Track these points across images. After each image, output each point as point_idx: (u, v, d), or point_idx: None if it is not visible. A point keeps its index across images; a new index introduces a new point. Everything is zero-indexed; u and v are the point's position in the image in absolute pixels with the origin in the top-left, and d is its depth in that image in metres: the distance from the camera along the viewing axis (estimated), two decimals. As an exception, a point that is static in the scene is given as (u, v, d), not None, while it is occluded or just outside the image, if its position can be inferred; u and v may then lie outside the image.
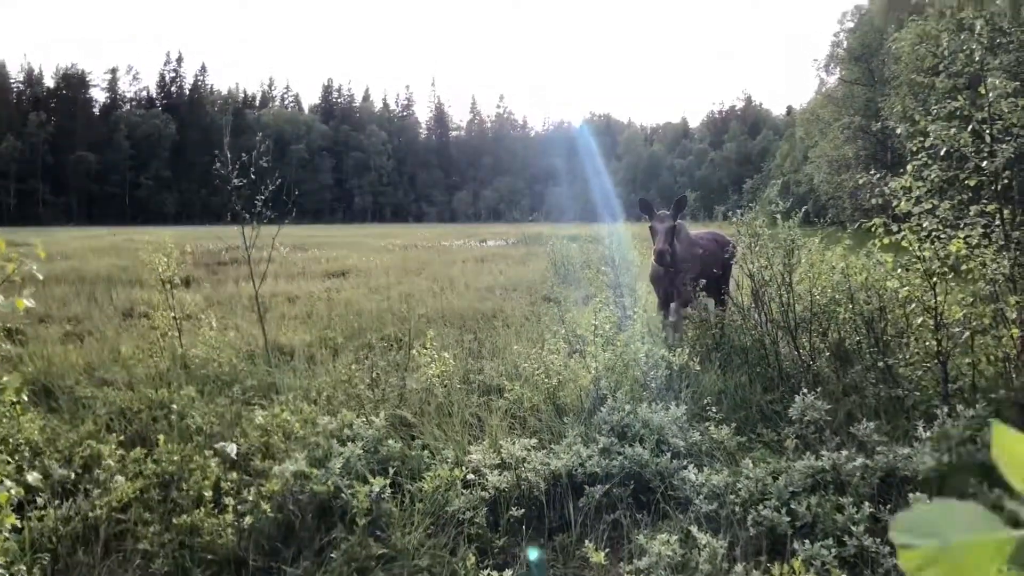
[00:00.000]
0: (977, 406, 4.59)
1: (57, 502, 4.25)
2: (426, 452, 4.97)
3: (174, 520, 3.96)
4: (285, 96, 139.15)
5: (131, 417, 5.89)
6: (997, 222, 5.41)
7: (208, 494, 4.18)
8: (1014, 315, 5.36)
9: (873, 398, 5.71)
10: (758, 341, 7.12)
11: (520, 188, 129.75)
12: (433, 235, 44.52)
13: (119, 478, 4.35)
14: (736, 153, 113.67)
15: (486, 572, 3.51)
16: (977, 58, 5.27)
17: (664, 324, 8.11)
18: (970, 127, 5.36)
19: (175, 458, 4.50)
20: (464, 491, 4.35)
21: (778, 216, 7.14)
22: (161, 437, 4.79)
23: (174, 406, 5.80)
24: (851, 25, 42.32)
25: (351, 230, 60.81)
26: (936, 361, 5.37)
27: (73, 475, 4.59)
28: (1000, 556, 0.53)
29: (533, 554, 4.01)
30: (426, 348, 6.80)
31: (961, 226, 5.36)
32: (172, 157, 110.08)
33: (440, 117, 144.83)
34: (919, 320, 5.55)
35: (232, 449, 4.73)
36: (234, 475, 4.37)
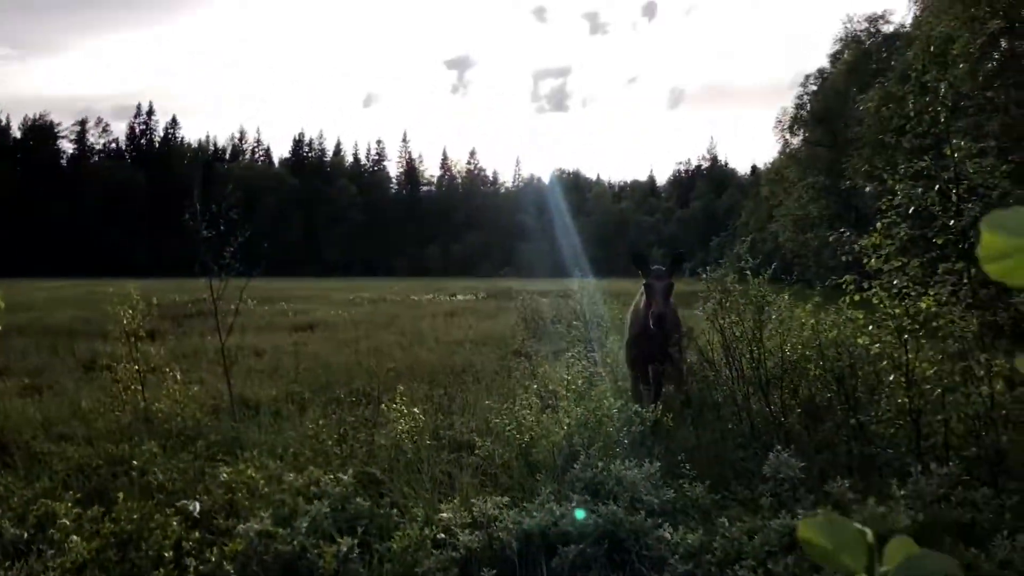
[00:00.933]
0: (950, 463, 4.59)
1: (8, 563, 4.07)
2: (395, 510, 4.85)
3: (132, 582, 3.80)
4: (256, 149, 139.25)
5: (89, 473, 5.71)
6: (965, 280, 5.49)
7: (168, 554, 4.02)
8: (982, 372, 5.40)
9: (846, 455, 5.70)
10: (730, 397, 7.10)
11: (490, 243, 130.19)
12: (403, 289, 44.39)
13: (75, 538, 4.18)
14: (702, 211, 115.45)
15: (457, 636, 3.40)
16: (942, 119, 5.40)
17: (639, 389, 7.62)
18: (936, 187, 5.46)
19: (134, 516, 4.34)
20: (434, 551, 4.24)
21: (747, 272, 7.19)
22: (120, 494, 4.63)
23: (135, 462, 5.64)
24: (814, 88, 43.44)
25: (320, 283, 60.47)
26: (908, 418, 5.38)
27: (26, 535, 4.41)
28: None
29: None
30: (395, 403, 6.69)
31: (931, 284, 5.43)
32: (141, 209, 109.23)
33: (411, 171, 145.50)
34: (891, 377, 5.58)
35: (195, 507, 4.59)
36: (196, 534, 4.23)
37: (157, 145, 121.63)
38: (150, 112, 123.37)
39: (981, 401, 5.34)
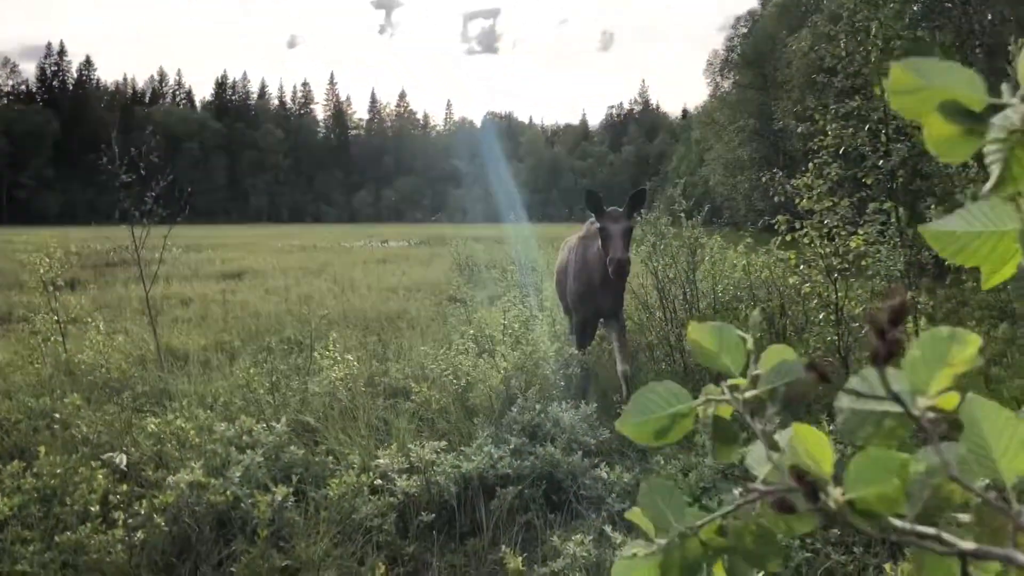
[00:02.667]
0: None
1: (-77, 523, 3.89)
2: (331, 458, 4.79)
3: (57, 538, 3.66)
4: (177, 92, 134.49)
5: (8, 428, 5.48)
6: (893, 220, 5.60)
7: (95, 508, 3.89)
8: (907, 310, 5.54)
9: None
10: (663, 338, 7.19)
11: (422, 188, 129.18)
12: (332, 235, 43.79)
13: (-6, 494, 4.01)
14: (635, 155, 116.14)
15: (397, 581, 3.38)
16: (872, 59, 5.44)
17: (578, 345, 6.64)
18: (867, 127, 5.53)
19: (58, 471, 4.18)
20: (372, 497, 4.19)
21: (681, 215, 7.23)
22: (42, 448, 4.45)
23: (57, 415, 5.43)
24: (745, 30, 43.69)
25: (247, 231, 59.25)
26: (838, 355, 5.51)
27: (-58, 493, 4.22)
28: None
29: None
30: (328, 350, 6.58)
31: (860, 224, 5.52)
32: (55, 155, 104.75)
33: (339, 115, 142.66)
34: (821, 315, 5.69)
35: (121, 459, 4.44)
36: (124, 487, 4.09)
37: (71, 88, 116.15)
38: (61, 52, 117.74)
39: (907, 337, 5.49)
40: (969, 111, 0.63)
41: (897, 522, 0.60)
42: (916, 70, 0.63)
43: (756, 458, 0.77)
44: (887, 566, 3.13)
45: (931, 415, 0.57)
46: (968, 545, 0.57)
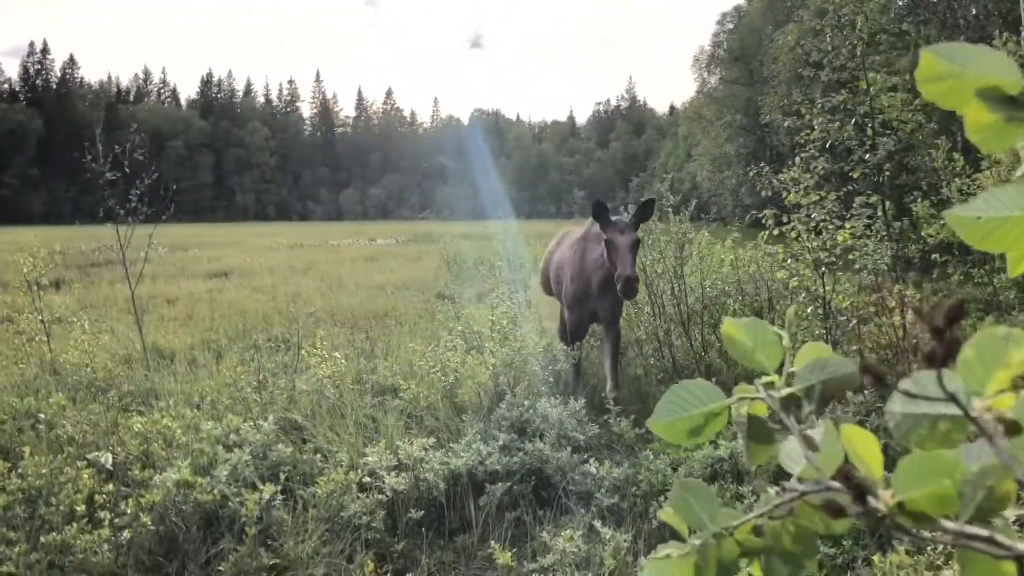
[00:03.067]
0: (864, 392, 4.73)
1: (-94, 525, 3.85)
2: (319, 456, 4.77)
3: (42, 539, 3.63)
4: (162, 90, 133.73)
5: (-7, 428, 5.44)
6: (879, 213, 5.62)
7: (81, 508, 3.86)
8: (894, 303, 5.56)
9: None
10: (652, 334, 7.18)
11: (409, 186, 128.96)
12: (319, 234, 43.66)
13: (-22, 495, 3.97)
14: (622, 152, 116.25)
15: (386, 578, 3.36)
16: (858, 53, 5.46)
17: (570, 340, 6.36)
18: (853, 121, 5.55)
19: (43, 471, 4.14)
20: (360, 495, 4.18)
21: (669, 210, 7.23)
22: (27, 449, 4.41)
23: (42, 415, 5.38)
24: (731, 26, 43.79)
25: (233, 229, 59.00)
26: (825, 349, 5.51)
27: (-75, 494, 4.18)
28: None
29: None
30: (316, 348, 6.55)
31: (847, 217, 5.54)
32: (39, 154, 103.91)
33: (325, 113, 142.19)
34: (808, 309, 5.71)
35: (107, 459, 4.41)
36: (110, 487, 4.06)
37: (54, 87, 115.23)
38: (44, 51, 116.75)
39: (893, 331, 5.51)
40: (1009, 96, 0.61)
41: (949, 524, 0.58)
42: (948, 56, 0.61)
43: (790, 455, 0.76)
44: (875, 558, 3.14)
45: (989, 416, 0.55)
46: None
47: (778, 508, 0.75)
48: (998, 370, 0.55)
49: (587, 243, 6.21)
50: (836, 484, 0.64)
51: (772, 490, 0.77)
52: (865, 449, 0.64)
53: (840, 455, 0.67)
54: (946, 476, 0.59)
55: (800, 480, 0.73)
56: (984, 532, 0.57)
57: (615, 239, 5.63)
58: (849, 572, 3.42)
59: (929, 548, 3.13)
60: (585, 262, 6.15)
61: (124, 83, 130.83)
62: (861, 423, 4.44)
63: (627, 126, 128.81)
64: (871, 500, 0.60)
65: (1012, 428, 0.55)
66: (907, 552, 3.10)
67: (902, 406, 0.60)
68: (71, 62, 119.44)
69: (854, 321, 5.49)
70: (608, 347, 6.15)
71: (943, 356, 0.54)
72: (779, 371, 0.77)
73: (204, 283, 15.84)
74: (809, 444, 0.71)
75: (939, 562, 3.04)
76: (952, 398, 0.55)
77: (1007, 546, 0.56)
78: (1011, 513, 0.60)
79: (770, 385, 0.77)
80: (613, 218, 5.82)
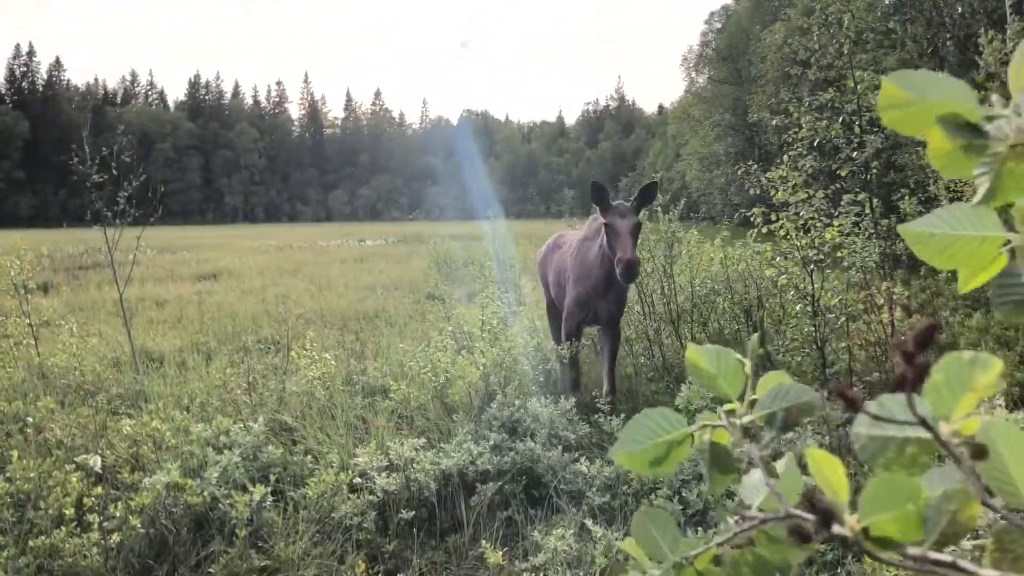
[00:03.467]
0: (854, 389, 4.74)
1: None
2: (309, 457, 4.76)
3: (31, 543, 3.61)
4: (149, 92, 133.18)
5: (-20, 433, 5.40)
6: (867, 211, 5.64)
7: (70, 512, 3.83)
8: (882, 301, 5.59)
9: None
10: (642, 332, 7.20)
11: (399, 186, 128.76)
12: (309, 235, 43.55)
13: (-34, 500, 3.95)
14: (611, 151, 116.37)
15: (377, 579, 3.35)
16: (845, 51, 5.48)
17: (562, 353, 6.05)
18: (840, 119, 5.57)
19: (31, 475, 4.12)
20: (351, 496, 4.17)
21: (658, 210, 7.24)
22: (15, 453, 4.38)
23: (30, 418, 5.36)
24: (719, 26, 43.90)
25: (222, 231, 58.80)
26: (814, 346, 5.54)
27: (-88, 499, 4.14)
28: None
29: None
30: (306, 349, 6.54)
31: (835, 215, 5.56)
32: (25, 157, 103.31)
33: (314, 114, 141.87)
34: (797, 307, 5.72)
35: (96, 462, 4.39)
36: (99, 490, 4.04)
37: (40, 89, 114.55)
38: (31, 53, 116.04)
39: (882, 328, 5.54)
40: (968, 123, 0.62)
41: (913, 550, 0.58)
42: (907, 84, 0.62)
43: (751, 488, 0.77)
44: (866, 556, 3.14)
45: (957, 441, 0.56)
46: (990, 573, 0.56)
47: (737, 536, 0.75)
48: (965, 394, 0.56)
49: (588, 242, 6.00)
50: (797, 511, 0.64)
51: (732, 519, 0.77)
52: (831, 473, 0.63)
53: (800, 485, 0.68)
54: (910, 501, 0.59)
55: (761, 510, 0.73)
56: (947, 558, 0.57)
57: (615, 223, 5.43)
58: (840, 568, 3.43)
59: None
60: (588, 261, 5.90)
61: (111, 85, 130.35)
62: (838, 439, 4.47)
63: (616, 126, 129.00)
64: (836, 525, 0.60)
65: (978, 452, 0.56)
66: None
67: (867, 428, 0.60)
68: (57, 64, 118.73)
69: (843, 318, 5.51)
70: (607, 350, 6.01)
71: (913, 380, 0.54)
72: (742, 398, 0.78)
73: (193, 285, 15.78)
74: (769, 471, 0.72)
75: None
76: (923, 423, 0.55)
77: (970, 572, 0.56)
78: (968, 544, 0.60)
79: (732, 412, 0.78)
80: (614, 202, 5.60)
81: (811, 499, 0.59)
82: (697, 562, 0.77)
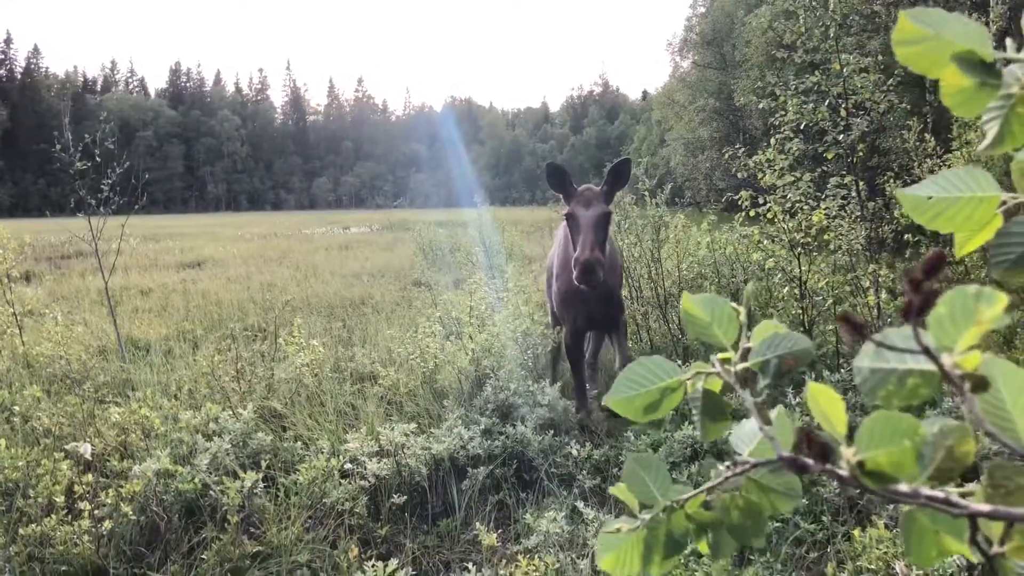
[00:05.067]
0: (841, 371, 4.78)
1: None
2: (299, 443, 4.75)
3: (21, 531, 3.59)
4: (130, 80, 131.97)
5: (-34, 423, 5.36)
6: (853, 194, 5.67)
7: (60, 500, 3.82)
8: (868, 283, 5.63)
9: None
10: (629, 317, 7.21)
11: (383, 174, 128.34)
12: (293, 223, 43.33)
13: (-46, 489, 3.92)
14: (596, 137, 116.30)
15: (370, 563, 3.36)
16: (832, 34, 5.49)
17: (571, 361, 5.46)
18: (827, 102, 5.59)
19: (19, 463, 4.10)
20: (342, 481, 4.17)
21: (645, 194, 7.25)
22: (2, 441, 4.36)
23: (16, 407, 5.32)
24: (703, 10, 43.80)
25: (205, 219, 58.39)
26: (801, 329, 5.58)
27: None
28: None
29: None
30: (293, 336, 6.52)
31: (822, 198, 5.59)
32: (4, 146, 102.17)
33: (296, 101, 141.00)
34: (785, 289, 5.75)
35: (86, 449, 4.36)
36: (89, 478, 4.02)
37: (19, 77, 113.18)
38: (8, 41, 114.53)
39: (868, 311, 5.57)
40: (983, 62, 0.62)
41: (904, 486, 0.59)
42: (923, 20, 0.62)
43: (742, 437, 0.78)
44: (855, 532, 3.18)
45: (959, 371, 0.56)
46: (982, 507, 0.57)
47: (728, 482, 0.77)
48: (969, 327, 0.56)
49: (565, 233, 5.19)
50: (790, 455, 0.64)
51: (722, 466, 0.78)
52: (829, 406, 0.64)
53: (792, 434, 0.68)
54: (907, 437, 0.60)
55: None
56: (940, 494, 0.58)
57: (577, 212, 4.59)
58: (829, 547, 3.47)
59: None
60: (566, 256, 5.03)
61: (91, 74, 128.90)
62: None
63: (600, 112, 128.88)
64: (832, 460, 0.61)
65: (979, 384, 0.56)
66: (885, 527, 3.15)
67: (870, 361, 0.60)
68: (35, 51, 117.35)
69: (829, 301, 5.54)
70: (615, 344, 5.26)
71: (919, 308, 0.54)
72: (735, 347, 0.78)
73: (177, 274, 15.69)
74: (763, 417, 0.72)
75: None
76: (927, 351, 0.55)
77: (961, 505, 0.57)
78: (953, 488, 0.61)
79: (726, 361, 0.78)
80: (580, 187, 4.77)
81: (808, 433, 0.60)
82: (687, 506, 0.78)
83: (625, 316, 5.52)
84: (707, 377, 0.80)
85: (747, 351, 0.78)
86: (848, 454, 0.60)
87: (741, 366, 0.77)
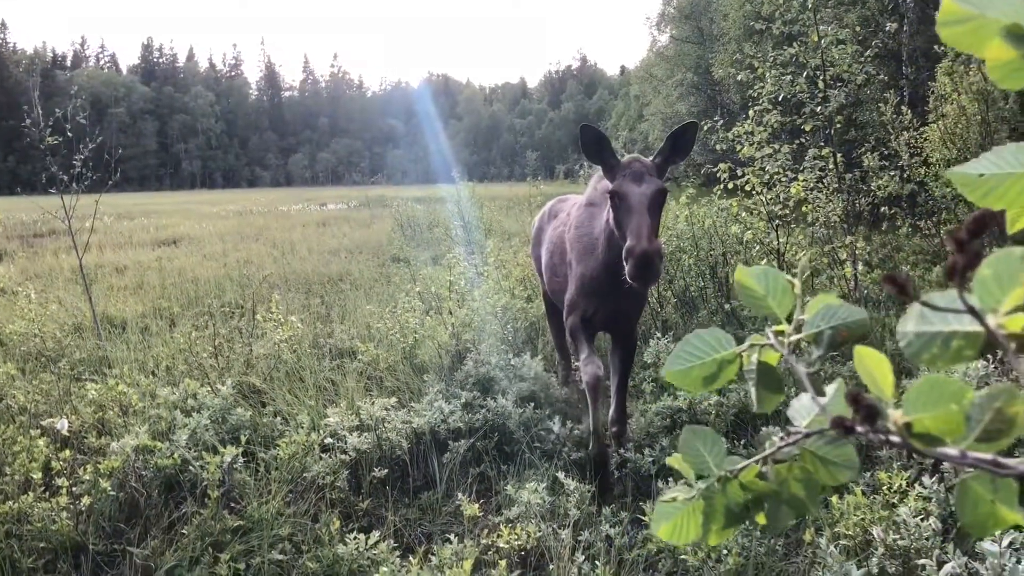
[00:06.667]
0: (828, 384, 4.82)
1: None
2: (279, 419, 4.74)
3: (-2, 509, 3.56)
4: (100, 56, 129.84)
5: (-60, 401, 5.29)
6: (831, 166, 5.70)
7: (37, 476, 3.78)
8: (845, 256, 5.67)
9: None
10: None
11: (359, 150, 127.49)
12: (269, 200, 42.90)
13: (-72, 468, 3.88)
14: (574, 113, 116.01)
15: (352, 536, 3.36)
16: (810, 5, 5.50)
17: (597, 383, 4.18)
18: (805, 74, 5.60)
19: (-5, 441, 4.06)
20: (323, 456, 4.16)
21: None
22: (-23, 420, 4.31)
23: (-10, 386, 5.26)
24: (681, -17, 43.63)
25: (180, 197, 57.83)
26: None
27: None
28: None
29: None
30: (271, 312, 6.48)
31: (800, 170, 5.61)
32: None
33: (271, 77, 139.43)
34: (763, 262, 5.78)
35: (63, 425, 4.32)
36: (67, 454, 3.99)
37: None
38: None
39: (845, 283, 5.62)
40: None
41: (951, 449, 0.60)
42: (968, 1, 0.63)
43: (799, 410, 0.79)
44: (833, 499, 3.22)
45: (1004, 332, 0.56)
46: None
47: (781, 451, 0.77)
48: (1014, 288, 0.56)
49: (592, 209, 4.37)
50: (836, 416, 0.64)
51: (776, 436, 0.79)
52: (877, 369, 0.65)
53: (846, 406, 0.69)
54: (954, 402, 0.61)
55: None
56: (987, 456, 0.59)
57: (626, 190, 3.64)
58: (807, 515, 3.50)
59: (885, 488, 3.22)
60: (592, 237, 4.24)
61: (60, 50, 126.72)
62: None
63: (578, 87, 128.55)
64: (880, 422, 0.62)
65: (1021, 348, 0.56)
66: (862, 493, 3.19)
67: (915, 325, 0.61)
68: (2, 26, 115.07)
69: (807, 273, 5.57)
70: (617, 361, 4.46)
71: (964, 267, 0.54)
72: (789, 319, 0.80)
73: (153, 251, 15.52)
74: (816, 387, 0.74)
75: (894, 501, 3.14)
76: (972, 310, 0.56)
77: (1010, 466, 0.58)
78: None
79: (781, 333, 0.80)
80: (624, 157, 3.86)
81: (855, 395, 0.61)
82: (742, 475, 0.80)
83: (637, 331, 4.73)
84: (762, 349, 0.82)
85: (802, 323, 0.79)
86: (896, 416, 0.62)
87: (795, 337, 0.79)
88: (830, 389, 0.73)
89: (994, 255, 0.57)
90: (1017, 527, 2.77)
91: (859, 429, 0.61)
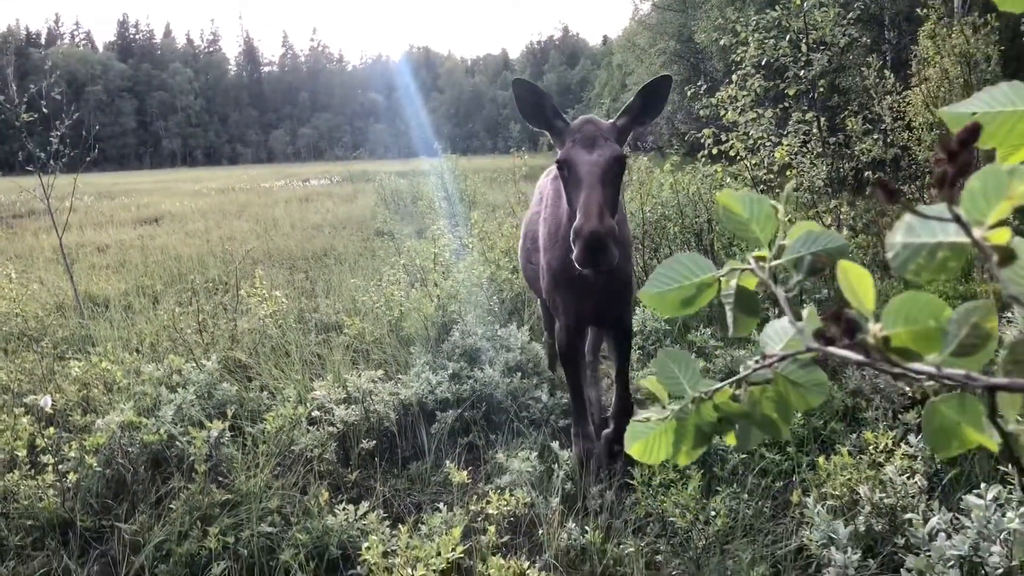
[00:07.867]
0: (804, 308, 4.83)
1: None
2: (265, 393, 4.72)
3: (-17, 488, 3.54)
4: (75, 33, 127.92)
5: (-80, 383, 5.25)
6: (815, 130, 5.69)
7: (22, 454, 3.76)
8: (830, 220, 5.67)
9: (707, 307, 5.93)
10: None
11: (341, 125, 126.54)
12: (250, 176, 42.57)
13: (-88, 449, 3.84)
14: (557, 83, 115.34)
15: (341, 507, 3.36)
16: (794, -33, 5.47)
17: (580, 384, 3.87)
18: (788, 38, 5.58)
19: (-22, 421, 4.02)
20: (310, 428, 4.15)
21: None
22: (-41, 400, 4.28)
23: (-28, 366, 5.22)
24: (663, -50, 43.26)
25: (160, 175, 57.29)
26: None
27: None
28: None
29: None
30: (255, 288, 6.45)
31: (784, 134, 5.60)
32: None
33: (250, 52, 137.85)
34: (748, 228, 5.77)
35: (47, 402, 4.28)
36: (51, 431, 3.96)
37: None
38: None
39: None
40: None
41: (923, 365, 0.60)
42: None
43: (772, 334, 0.81)
44: (820, 460, 3.24)
45: (988, 244, 0.57)
46: (999, 380, 0.58)
47: (755, 374, 0.77)
48: (1000, 201, 0.57)
49: (558, 184, 3.57)
50: (817, 345, 0.65)
51: (750, 360, 0.79)
52: (858, 282, 0.66)
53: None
54: (933, 318, 0.62)
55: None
56: (960, 371, 0.60)
57: (573, 158, 3.05)
58: (795, 475, 3.54)
59: (871, 448, 3.25)
60: (557, 218, 3.56)
61: (34, 28, 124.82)
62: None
63: (561, 57, 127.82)
64: (859, 335, 0.62)
65: (1006, 257, 0.57)
66: (848, 454, 3.21)
67: (903, 236, 0.62)
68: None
69: (790, 199, 5.58)
70: (614, 352, 3.91)
71: (954, 177, 0.55)
72: (771, 245, 0.81)
73: (134, 230, 15.39)
74: (793, 312, 0.74)
75: (880, 460, 3.16)
76: (958, 219, 0.56)
77: (980, 380, 0.59)
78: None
79: (761, 259, 0.81)
80: (575, 120, 3.28)
81: (836, 312, 0.62)
82: (716, 397, 0.81)
83: (632, 314, 4.00)
84: (741, 273, 0.84)
85: (782, 248, 0.80)
86: (875, 329, 0.63)
87: (775, 262, 0.80)
88: (805, 313, 0.74)
89: (983, 169, 0.57)
90: (1003, 481, 2.80)
91: (838, 341, 0.62)
